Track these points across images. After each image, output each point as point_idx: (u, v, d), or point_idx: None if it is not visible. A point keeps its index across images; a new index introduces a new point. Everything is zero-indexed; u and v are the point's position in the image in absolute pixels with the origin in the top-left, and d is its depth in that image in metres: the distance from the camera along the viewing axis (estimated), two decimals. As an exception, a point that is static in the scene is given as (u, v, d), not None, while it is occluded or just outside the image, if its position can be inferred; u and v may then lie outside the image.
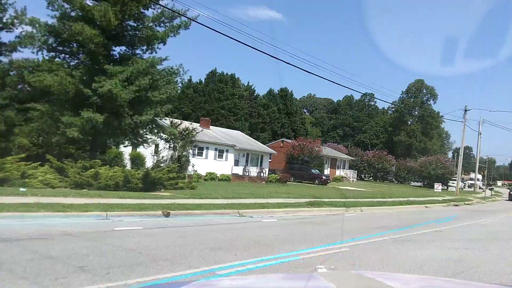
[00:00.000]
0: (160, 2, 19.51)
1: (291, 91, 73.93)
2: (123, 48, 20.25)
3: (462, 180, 66.11)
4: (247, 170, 38.60)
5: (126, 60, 19.08)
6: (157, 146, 26.19)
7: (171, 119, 30.18)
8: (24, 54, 48.95)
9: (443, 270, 6.77)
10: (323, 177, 41.23)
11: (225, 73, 62.49)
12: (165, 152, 29.27)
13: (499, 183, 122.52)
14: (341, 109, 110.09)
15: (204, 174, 31.61)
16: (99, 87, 16.87)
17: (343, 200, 19.73)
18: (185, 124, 31.38)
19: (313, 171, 41.95)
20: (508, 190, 50.88)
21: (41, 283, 4.71)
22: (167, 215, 11.13)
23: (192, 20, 18.79)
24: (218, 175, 32.75)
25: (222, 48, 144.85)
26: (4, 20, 20.11)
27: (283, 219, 12.83)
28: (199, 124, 36.81)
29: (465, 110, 40.94)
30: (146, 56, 19.98)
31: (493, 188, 60.71)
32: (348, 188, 36.63)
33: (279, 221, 12.23)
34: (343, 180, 49.28)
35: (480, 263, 7.75)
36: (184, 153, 30.52)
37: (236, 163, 37.27)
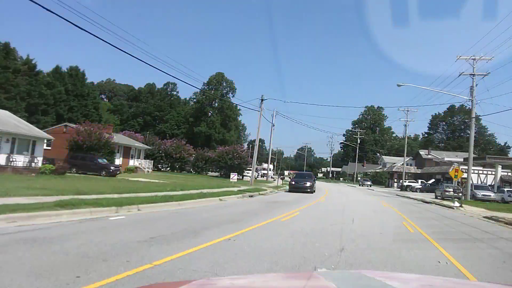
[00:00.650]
0: None
1: (83, 71, 64.83)
2: None
3: (256, 170, 68.54)
4: (12, 159, 30.46)
5: None
6: None
7: None
8: None
9: None
10: (112, 167, 35.63)
11: (-7, 40, 50.07)
12: None
13: (286, 172, 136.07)
14: (142, 97, 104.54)
15: None
16: None
17: (117, 196, 15.09)
18: None
19: (100, 160, 35.90)
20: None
21: None
22: None
23: None
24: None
25: None
26: None
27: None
28: None
29: (261, 100, 41.05)
30: None
31: (284, 178, 64.62)
32: (140, 179, 32.06)
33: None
34: (137, 171, 44.37)
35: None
36: None
37: (-4, 149, 28.88)
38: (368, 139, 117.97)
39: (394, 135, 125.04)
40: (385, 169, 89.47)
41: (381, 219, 15.38)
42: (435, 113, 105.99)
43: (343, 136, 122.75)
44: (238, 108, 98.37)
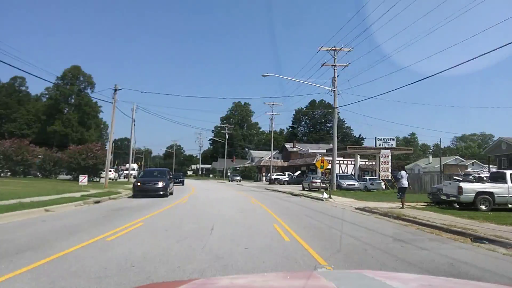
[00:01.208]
0: None
1: None
2: None
3: (118, 170, 62.01)
4: None
5: None
6: None
7: None
8: None
9: None
10: None
11: None
12: None
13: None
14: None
15: None
16: None
17: None
18: None
19: None
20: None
21: None
22: None
23: None
24: None
25: None
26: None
27: None
28: None
29: (115, 90, 35.64)
30: None
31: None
32: None
33: None
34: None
35: None
36: None
37: None
38: (236, 135, 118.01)
39: (261, 130, 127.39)
40: (254, 163, 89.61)
41: (249, 224, 12.25)
42: (298, 108, 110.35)
43: (212, 132, 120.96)
44: (98, 105, 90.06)
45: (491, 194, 17.85)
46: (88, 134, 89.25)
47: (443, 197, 19.29)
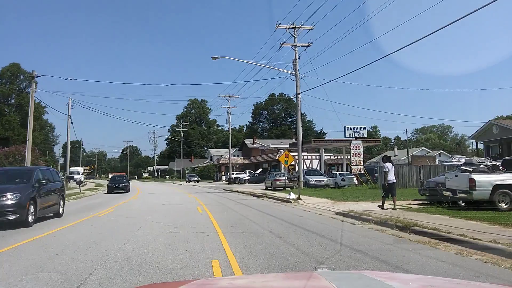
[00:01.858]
0: None
1: None
2: None
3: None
4: None
5: None
6: None
7: None
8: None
9: None
10: None
11: None
12: None
13: (110, 175, 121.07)
14: None
15: None
16: None
17: None
18: None
19: None
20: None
21: None
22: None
23: None
24: None
25: None
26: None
27: None
28: None
29: (33, 77, 29.37)
30: None
31: (82, 182, 52.67)
32: None
33: None
34: None
35: None
36: None
37: None
38: (194, 133, 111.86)
39: (220, 127, 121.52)
40: (213, 162, 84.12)
41: (177, 254, 7.08)
42: (257, 103, 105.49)
43: (168, 131, 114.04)
44: (43, 105, 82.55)
45: (510, 187, 13.53)
46: (32, 137, 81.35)
47: (447, 194, 14.82)
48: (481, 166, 14.32)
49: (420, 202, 17.10)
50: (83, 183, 64.73)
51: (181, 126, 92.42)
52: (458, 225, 9.82)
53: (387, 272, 5.25)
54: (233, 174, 58.74)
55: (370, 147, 65.78)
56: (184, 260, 6.85)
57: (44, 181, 13.76)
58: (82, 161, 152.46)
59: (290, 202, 19.88)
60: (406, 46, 16.24)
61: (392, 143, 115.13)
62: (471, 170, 14.01)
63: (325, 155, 51.70)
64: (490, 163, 14.66)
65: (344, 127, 36.53)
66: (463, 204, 14.36)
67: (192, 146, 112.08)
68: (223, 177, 69.38)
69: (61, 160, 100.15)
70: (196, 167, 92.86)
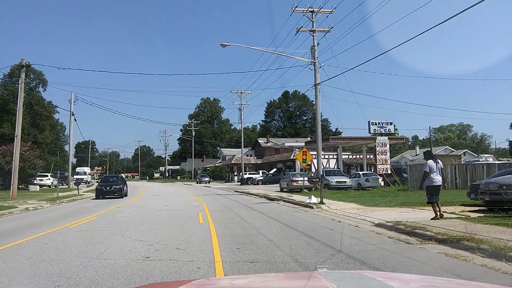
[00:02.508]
0: None
1: None
2: None
3: (56, 175, 51.12)
4: None
5: None
6: None
7: None
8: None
9: None
10: None
11: None
12: None
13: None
14: None
15: None
16: None
17: None
18: None
19: None
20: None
21: None
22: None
23: None
24: None
25: None
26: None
27: None
28: None
29: (22, 66, 26.61)
30: None
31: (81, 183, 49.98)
32: None
33: None
34: None
35: None
36: None
37: None
38: (206, 132, 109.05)
39: (232, 127, 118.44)
40: (225, 162, 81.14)
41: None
42: (271, 100, 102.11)
43: (180, 131, 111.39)
44: (53, 105, 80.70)
45: None
46: (42, 137, 79.55)
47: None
48: None
49: (474, 208, 13.72)
50: (89, 184, 62.44)
51: (193, 125, 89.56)
52: None
53: (388, 272, 5.18)
54: (245, 174, 55.58)
55: (392, 145, 62.07)
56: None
57: None
58: (95, 161, 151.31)
59: (312, 208, 16.65)
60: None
61: (410, 142, 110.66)
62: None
63: (343, 154, 48.31)
64: None
65: (369, 121, 33.07)
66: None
67: (204, 146, 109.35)
68: (235, 178, 66.32)
69: (74, 160, 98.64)
70: (208, 167, 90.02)
